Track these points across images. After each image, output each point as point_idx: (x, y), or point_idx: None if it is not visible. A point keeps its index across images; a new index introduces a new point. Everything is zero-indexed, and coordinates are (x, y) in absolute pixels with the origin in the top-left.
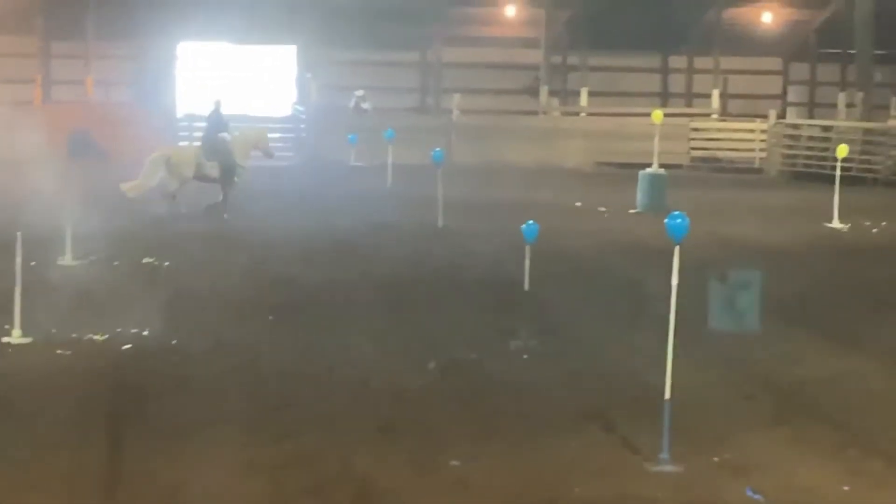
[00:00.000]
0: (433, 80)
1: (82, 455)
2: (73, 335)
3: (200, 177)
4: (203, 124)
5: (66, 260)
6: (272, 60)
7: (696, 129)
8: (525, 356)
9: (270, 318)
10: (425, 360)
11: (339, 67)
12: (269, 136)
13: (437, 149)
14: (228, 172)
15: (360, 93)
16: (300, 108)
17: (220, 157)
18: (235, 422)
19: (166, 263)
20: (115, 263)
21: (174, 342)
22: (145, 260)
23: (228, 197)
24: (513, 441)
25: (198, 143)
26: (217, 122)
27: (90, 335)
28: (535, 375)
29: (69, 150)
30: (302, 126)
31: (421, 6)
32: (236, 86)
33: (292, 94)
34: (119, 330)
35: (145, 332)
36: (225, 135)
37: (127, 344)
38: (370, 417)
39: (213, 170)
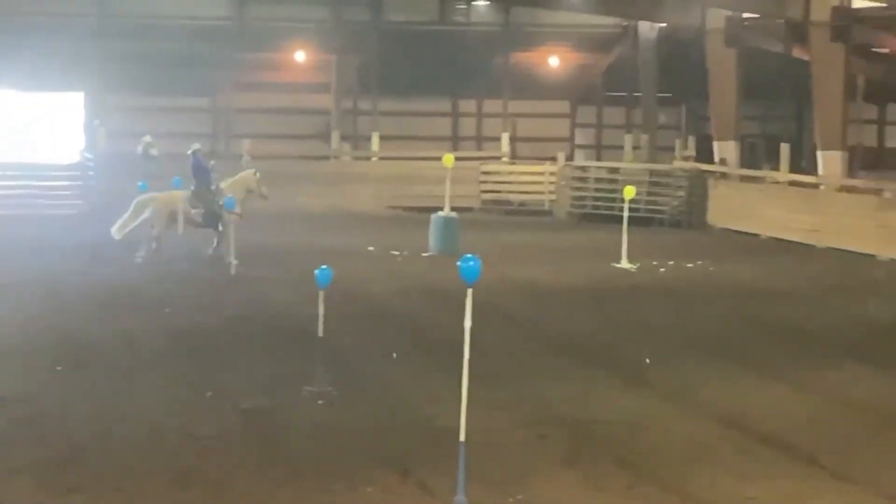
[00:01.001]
0: (224, 125)
1: None
2: None
3: (187, 221)
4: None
5: None
6: (59, 107)
7: (486, 173)
8: (320, 402)
9: (59, 368)
10: (221, 409)
11: (127, 114)
12: (57, 183)
13: (229, 196)
14: (212, 218)
15: (147, 139)
16: (88, 156)
17: (204, 204)
18: (24, 475)
19: None
20: None
21: None
22: None
23: (224, 242)
24: (309, 488)
25: (186, 190)
26: (198, 168)
27: None
28: (330, 421)
29: None
30: (90, 173)
31: (210, 52)
32: (23, 133)
33: (80, 141)
34: None
35: None
36: (212, 181)
37: None
38: (164, 468)
39: (197, 216)
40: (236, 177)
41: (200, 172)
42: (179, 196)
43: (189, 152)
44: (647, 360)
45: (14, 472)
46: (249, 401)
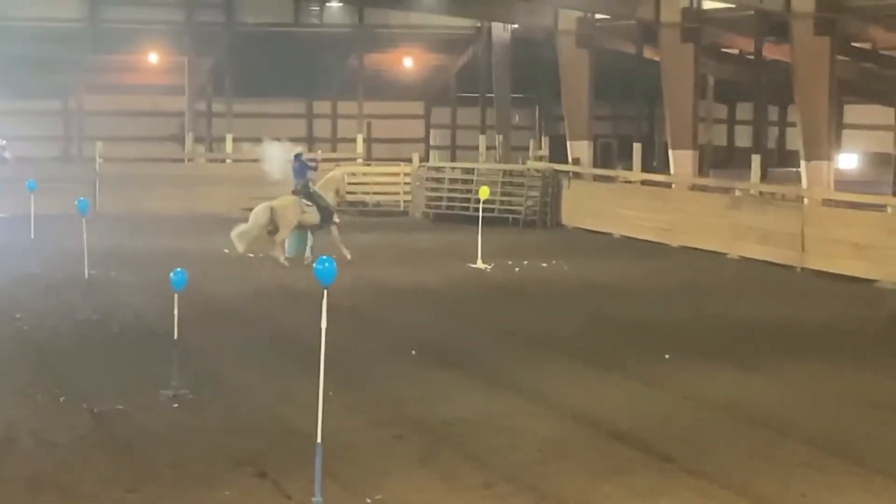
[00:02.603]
0: (76, 128)
1: None
2: None
3: (302, 224)
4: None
5: None
6: None
7: (353, 174)
8: (175, 405)
9: None
10: (75, 414)
11: None
12: None
13: (82, 198)
14: (327, 214)
15: (2, 142)
16: None
17: (314, 201)
18: None
19: None
20: None
21: None
22: None
23: (335, 239)
24: (165, 490)
25: (291, 196)
26: (301, 170)
27: None
28: (186, 424)
29: None
30: None
31: (62, 54)
32: None
33: None
34: None
35: None
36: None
37: None
38: (17, 473)
39: (313, 216)
40: (326, 177)
41: (302, 174)
42: (292, 200)
43: (292, 155)
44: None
45: None
46: (104, 405)
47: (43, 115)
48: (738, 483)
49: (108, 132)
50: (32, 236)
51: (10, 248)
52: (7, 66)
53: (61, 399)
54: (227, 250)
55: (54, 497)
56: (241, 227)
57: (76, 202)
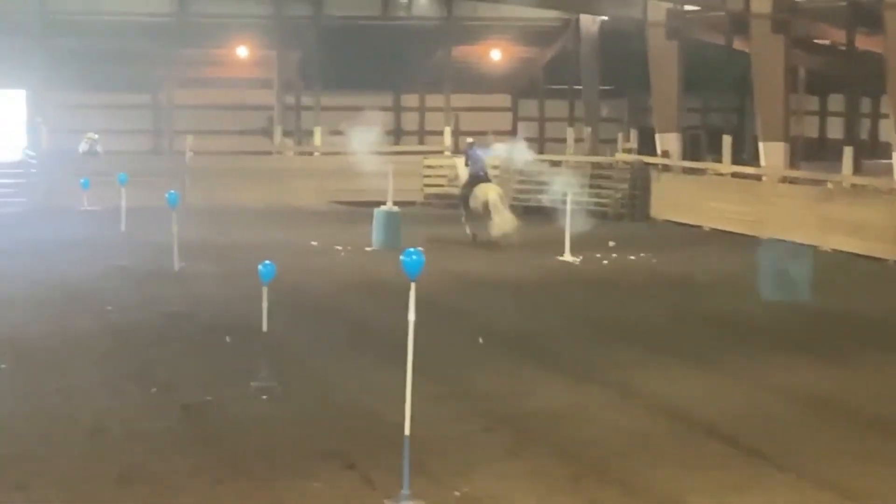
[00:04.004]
0: (165, 121)
1: None
2: None
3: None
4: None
5: None
6: (1, 105)
7: (429, 167)
8: (264, 397)
9: (2, 366)
10: (164, 405)
11: (69, 111)
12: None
13: (172, 191)
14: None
15: (94, 136)
16: (31, 154)
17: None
18: None
19: None
20: None
21: None
22: None
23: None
24: (254, 482)
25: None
26: (477, 157)
27: None
28: (274, 416)
29: None
30: (33, 171)
31: (152, 48)
32: None
33: (22, 138)
34: None
35: None
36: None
37: None
38: (107, 466)
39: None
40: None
41: (478, 161)
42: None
43: (468, 141)
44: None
45: None
46: (193, 396)
47: (133, 109)
48: (827, 477)
49: (198, 126)
50: (123, 229)
51: (101, 241)
52: (98, 61)
53: (151, 390)
54: (314, 243)
55: (144, 488)
56: (497, 219)
57: (166, 195)
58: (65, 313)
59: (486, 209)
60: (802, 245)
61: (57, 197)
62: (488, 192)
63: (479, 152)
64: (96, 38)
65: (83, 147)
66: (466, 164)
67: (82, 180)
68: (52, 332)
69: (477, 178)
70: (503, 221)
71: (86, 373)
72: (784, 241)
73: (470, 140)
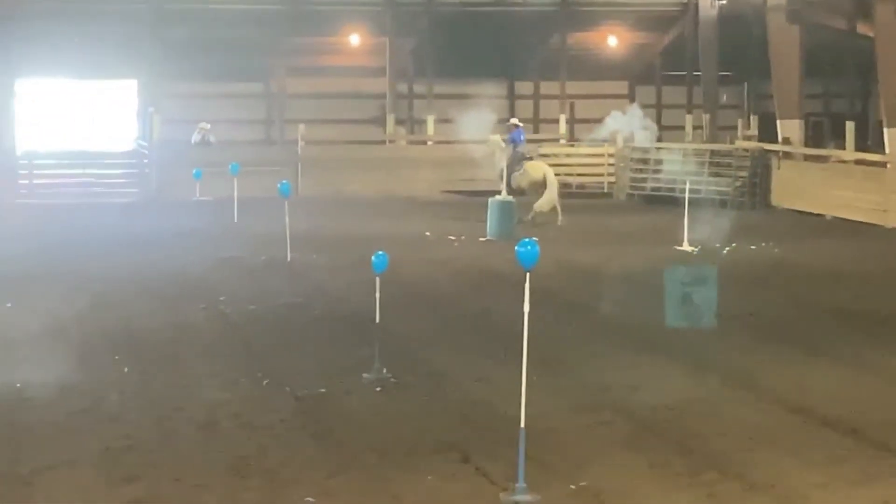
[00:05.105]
0: (277, 111)
1: None
2: None
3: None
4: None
5: None
6: (113, 95)
7: (543, 155)
8: (378, 389)
9: (116, 357)
10: (277, 397)
11: (182, 101)
12: (112, 172)
13: (284, 181)
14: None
15: (206, 126)
16: (143, 144)
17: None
18: (81, 466)
19: (8, 305)
20: None
21: (18, 385)
22: None
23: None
24: (367, 475)
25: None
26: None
27: None
28: (388, 408)
29: None
30: (145, 161)
31: (263, 37)
32: (77, 122)
33: (134, 129)
34: None
35: None
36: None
37: None
38: (220, 457)
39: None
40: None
41: (520, 143)
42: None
43: (513, 122)
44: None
45: (72, 463)
46: (306, 388)
47: (245, 99)
48: None
49: (310, 115)
50: (236, 219)
51: (214, 232)
52: (210, 50)
53: (264, 382)
54: (428, 233)
55: (256, 480)
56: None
57: (278, 185)
58: (177, 305)
59: (536, 185)
60: (708, 268)
61: (169, 187)
62: (545, 169)
63: (522, 135)
64: (208, 27)
65: (196, 137)
66: (507, 145)
67: (195, 171)
68: (165, 323)
69: (522, 157)
70: (552, 198)
71: (198, 364)
72: (689, 265)
73: (515, 121)
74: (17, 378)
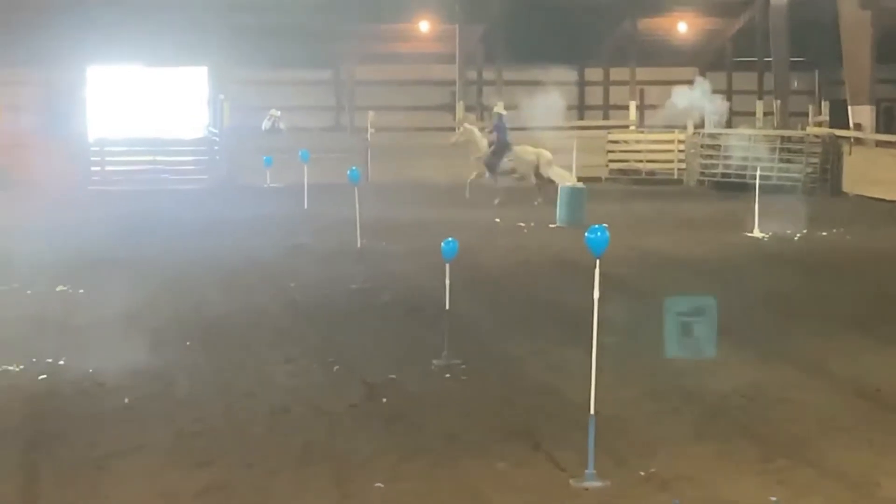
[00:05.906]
0: (347, 98)
1: None
2: None
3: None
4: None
5: None
6: (183, 82)
7: (613, 142)
8: (447, 375)
9: (187, 343)
10: (348, 383)
11: (251, 87)
12: (182, 158)
13: (353, 167)
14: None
15: (276, 112)
16: (213, 130)
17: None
18: (152, 451)
19: (81, 290)
20: (29, 292)
21: (91, 371)
22: (59, 288)
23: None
24: (437, 461)
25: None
26: (502, 128)
27: (5, 366)
28: (457, 394)
29: None
30: (216, 148)
31: (332, 24)
32: (148, 109)
33: (205, 115)
34: (34, 360)
35: (61, 362)
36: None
37: (43, 374)
38: (290, 442)
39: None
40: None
41: (505, 130)
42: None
43: (497, 112)
44: None
45: (144, 447)
46: (376, 374)
47: (315, 85)
48: None
49: (379, 101)
50: (306, 206)
51: (284, 218)
52: (279, 37)
53: (334, 368)
54: (497, 220)
55: (327, 466)
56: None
57: (348, 172)
58: (248, 291)
59: (530, 167)
60: (707, 299)
61: (240, 174)
62: (538, 150)
63: (506, 123)
64: (278, 14)
65: (266, 124)
66: (491, 132)
67: (265, 157)
68: (236, 309)
69: (507, 144)
70: (563, 174)
71: (268, 350)
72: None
73: (500, 109)
74: (89, 363)
